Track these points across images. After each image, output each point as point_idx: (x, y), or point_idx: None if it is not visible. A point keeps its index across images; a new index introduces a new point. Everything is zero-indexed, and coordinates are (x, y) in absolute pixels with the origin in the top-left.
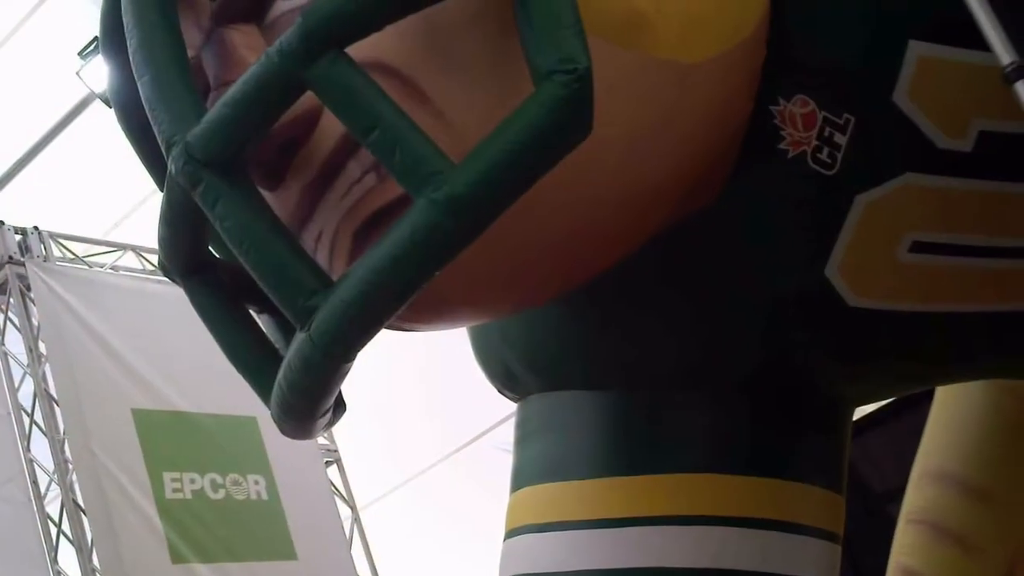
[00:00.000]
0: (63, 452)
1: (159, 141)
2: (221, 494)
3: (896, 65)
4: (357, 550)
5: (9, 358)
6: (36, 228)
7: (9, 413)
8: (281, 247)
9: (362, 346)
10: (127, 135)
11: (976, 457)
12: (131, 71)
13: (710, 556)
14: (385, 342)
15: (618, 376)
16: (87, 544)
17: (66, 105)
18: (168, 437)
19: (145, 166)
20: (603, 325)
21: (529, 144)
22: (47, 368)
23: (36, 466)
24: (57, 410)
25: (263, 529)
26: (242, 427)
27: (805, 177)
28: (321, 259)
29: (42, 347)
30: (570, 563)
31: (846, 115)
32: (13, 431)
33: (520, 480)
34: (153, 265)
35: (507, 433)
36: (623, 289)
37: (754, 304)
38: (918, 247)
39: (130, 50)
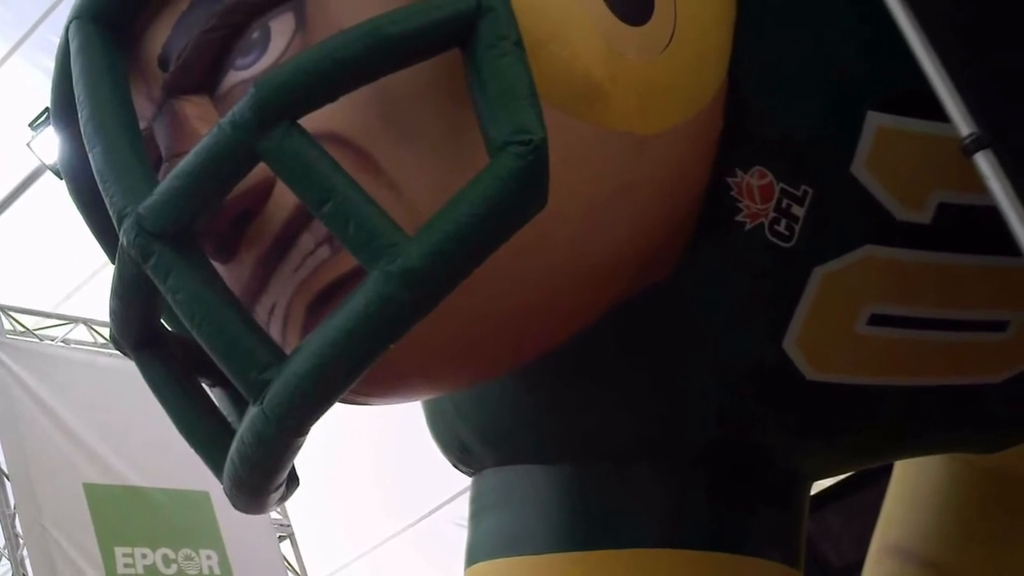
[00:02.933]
0: (14, 527)
1: (110, 213)
2: (173, 569)
3: (854, 136)
4: None
5: None
6: None
7: None
8: (234, 320)
9: (316, 420)
10: (78, 207)
11: (935, 532)
12: (82, 142)
13: None
14: (339, 415)
15: (573, 450)
16: None
17: (16, 176)
18: (120, 512)
19: (96, 238)
20: (558, 398)
21: (484, 216)
22: None
23: None
24: (8, 484)
25: None
26: (194, 502)
27: (762, 249)
28: (274, 332)
29: None
30: None
31: (804, 187)
32: None
33: (475, 555)
34: (105, 338)
35: (462, 508)
36: (578, 362)
37: (710, 378)
38: (876, 320)
39: (81, 121)
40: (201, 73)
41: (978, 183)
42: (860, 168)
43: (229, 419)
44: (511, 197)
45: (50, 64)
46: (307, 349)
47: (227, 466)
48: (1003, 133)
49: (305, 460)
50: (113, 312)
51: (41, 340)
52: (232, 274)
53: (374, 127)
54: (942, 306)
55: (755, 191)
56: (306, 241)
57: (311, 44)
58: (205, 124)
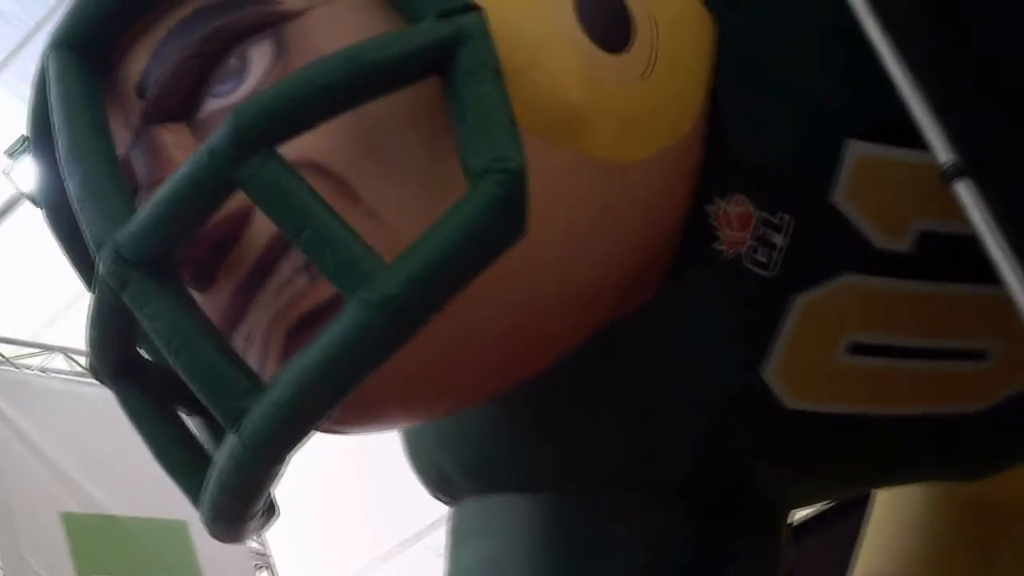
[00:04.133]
0: None
1: (88, 241)
2: None
3: (834, 164)
4: None
5: None
6: None
7: None
8: (212, 348)
9: (294, 448)
10: (56, 235)
11: (916, 560)
12: (60, 170)
13: None
14: (318, 443)
15: (553, 479)
16: None
17: None
18: (98, 541)
19: (74, 267)
20: (537, 427)
21: (463, 244)
22: None
23: None
24: None
25: None
26: (173, 531)
27: (741, 278)
28: (253, 360)
29: None
30: None
31: (782, 214)
32: None
33: None
34: (83, 367)
35: (442, 537)
36: (557, 390)
37: (690, 406)
38: (857, 349)
39: (59, 149)
40: (179, 100)
41: (958, 211)
42: (840, 196)
43: (207, 447)
44: (490, 224)
45: (28, 91)
46: (286, 377)
47: (205, 495)
48: (982, 161)
49: (284, 489)
50: (91, 341)
51: (19, 369)
52: (210, 302)
53: (353, 155)
54: (922, 335)
55: (733, 219)
56: (284, 269)
57: (290, 71)
58: (183, 152)
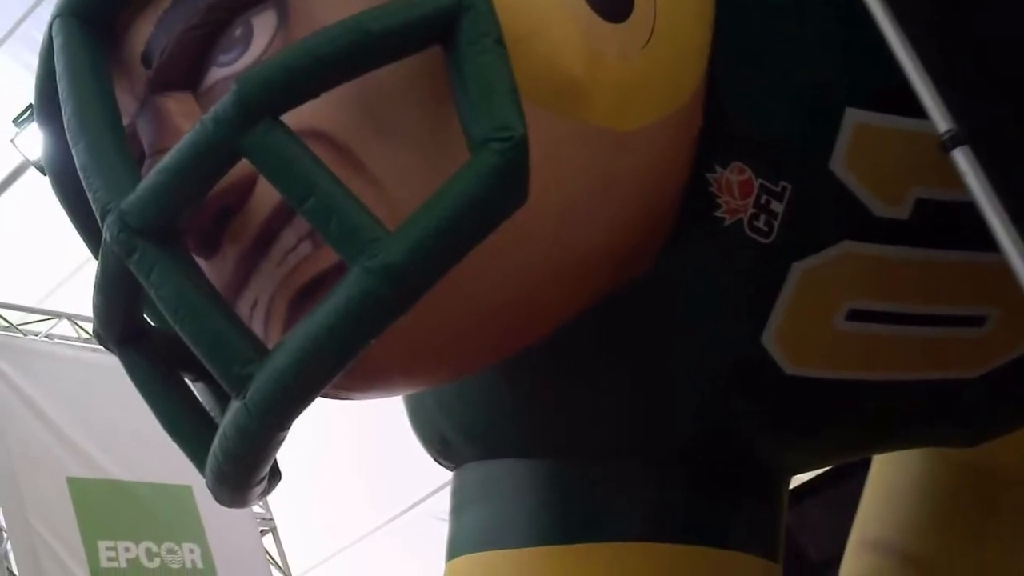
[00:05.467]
0: None
1: (94, 209)
2: (156, 563)
3: (833, 133)
4: None
5: None
6: None
7: None
8: (216, 315)
9: (297, 414)
10: (62, 203)
11: (913, 525)
12: (66, 138)
13: None
14: (321, 409)
15: (553, 445)
16: None
17: (0, 173)
18: (103, 506)
19: (80, 234)
20: (538, 393)
21: (464, 212)
22: None
23: None
24: None
25: None
26: (177, 496)
27: (741, 245)
28: (256, 327)
29: None
30: None
31: (783, 183)
32: None
33: (456, 549)
34: (88, 333)
35: (443, 502)
36: (558, 358)
37: (690, 373)
38: (855, 315)
39: (65, 118)
40: (184, 70)
41: (956, 179)
42: (838, 164)
43: (212, 414)
44: (491, 193)
45: (34, 61)
46: (289, 344)
47: (210, 460)
48: (980, 129)
49: (287, 454)
50: (96, 307)
51: (25, 335)
52: (215, 269)
53: (356, 123)
54: (920, 301)
55: (734, 187)
56: (288, 237)
57: (293, 40)
58: (188, 120)
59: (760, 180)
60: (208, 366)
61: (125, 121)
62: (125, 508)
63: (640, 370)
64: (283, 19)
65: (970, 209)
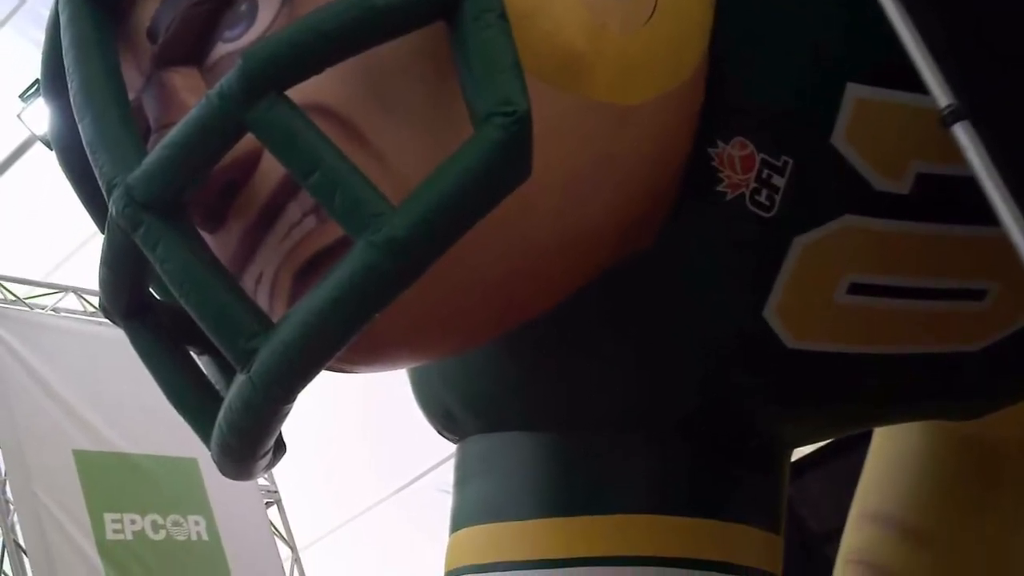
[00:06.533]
0: (4, 493)
1: (100, 183)
2: (161, 535)
3: (833, 107)
4: None
5: None
6: None
7: None
8: (221, 289)
9: (302, 387)
10: (68, 177)
11: (914, 498)
12: (72, 113)
13: None
14: (325, 383)
15: (556, 417)
16: None
17: (7, 147)
18: (109, 478)
19: (86, 208)
20: (541, 366)
21: (468, 187)
22: None
23: None
24: None
25: (203, 570)
26: (183, 468)
27: (743, 219)
28: (262, 301)
29: None
30: None
31: (784, 157)
32: None
33: (459, 521)
34: (94, 307)
35: (447, 474)
36: (561, 331)
37: (692, 346)
38: (856, 289)
39: (71, 92)
40: (189, 45)
41: (956, 154)
42: (839, 139)
43: (217, 387)
44: (495, 167)
45: (40, 36)
46: (294, 318)
47: (215, 433)
48: (981, 104)
49: (292, 427)
50: (102, 281)
51: (31, 309)
52: (220, 244)
53: (360, 98)
54: (921, 275)
55: (736, 161)
56: (293, 211)
57: (297, 16)
58: (193, 95)
59: (762, 155)
60: (213, 339)
61: (131, 96)
62: (131, 481)
63: (642, 343)
64: None
65: (970, 184)
